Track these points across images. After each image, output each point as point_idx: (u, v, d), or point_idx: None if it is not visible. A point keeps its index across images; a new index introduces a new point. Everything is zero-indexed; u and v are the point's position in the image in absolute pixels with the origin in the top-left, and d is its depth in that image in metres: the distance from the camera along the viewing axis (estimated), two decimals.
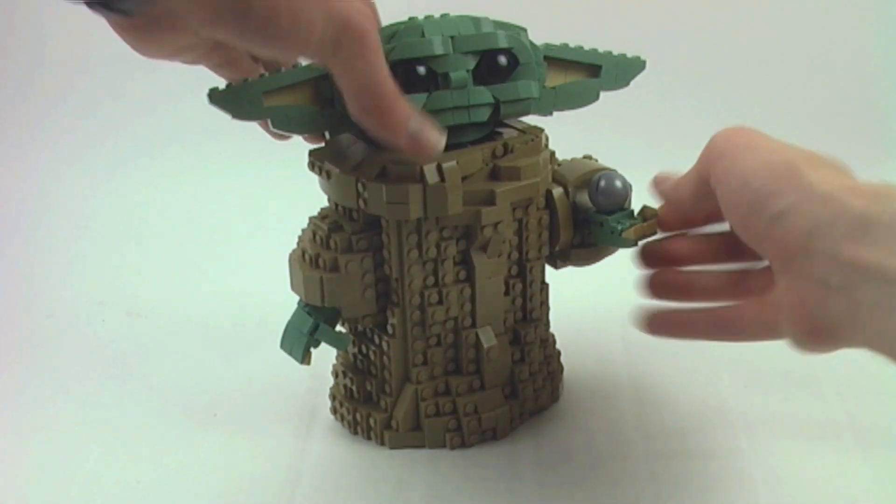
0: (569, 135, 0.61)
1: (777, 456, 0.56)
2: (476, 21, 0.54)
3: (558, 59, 0.56)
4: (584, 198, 0.57)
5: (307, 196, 0.60)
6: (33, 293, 0.77)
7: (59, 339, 0.71)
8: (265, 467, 0.57)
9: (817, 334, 0.44)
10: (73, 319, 0.73)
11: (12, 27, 0.96)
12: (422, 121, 0.49)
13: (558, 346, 0.64)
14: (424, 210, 0.53)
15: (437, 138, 0.50)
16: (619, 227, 0.54)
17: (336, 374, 0.61)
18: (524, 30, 0.55)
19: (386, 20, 0.54)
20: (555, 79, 0.56)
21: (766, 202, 0.43)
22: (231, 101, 0.51)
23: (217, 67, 0.55)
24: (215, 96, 0.51)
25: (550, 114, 0.57)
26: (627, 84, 0.58)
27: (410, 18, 0.54)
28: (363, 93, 0.48)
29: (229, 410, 0.62)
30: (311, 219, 0.57)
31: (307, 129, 0.54)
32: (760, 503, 0.53)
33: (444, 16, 0.54)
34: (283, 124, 0.53)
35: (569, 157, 0.60)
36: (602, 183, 0.56)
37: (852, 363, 0.64)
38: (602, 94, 0.58)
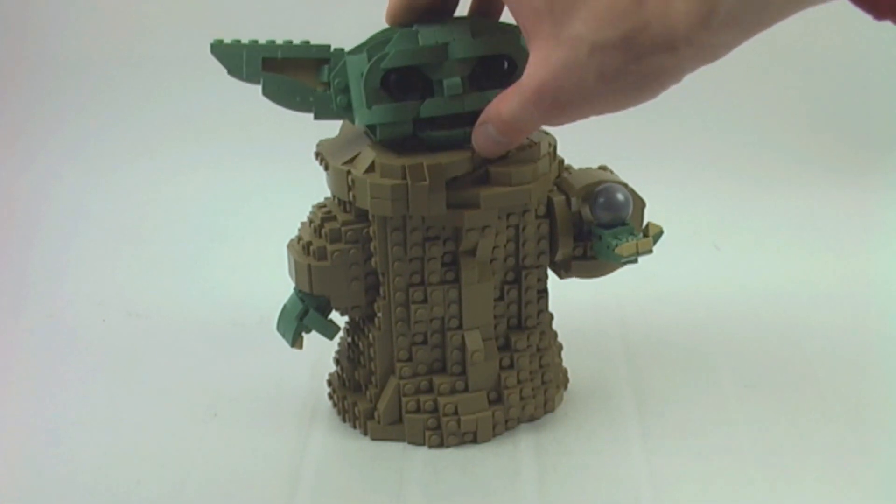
0: (590, 144, 0.60)
1: (778, 456, 0.56)
2: (473, 25, 0.53)
3: None
4: (587, 209, 0.56)
5: (308, 196, 0.60)
6: (33, 293, 0.77)
7: (59, 339, 0.70)
8: (265, 467, 0.57)
9: None
10: (73, 319, 0.73)
11: (13, 26, 0.96)
12: None
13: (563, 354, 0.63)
14: (407, 208, 0.53)
15: None
16: (614, 243, 0.54)
17: (335, 361, 0.62)
18: None
19: (385, 23, 0.54)
20: None
21: None
22: (231, 56, 0.53)
23: None
24: (217, 48, 0.52)
25: None
26: None
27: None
28: None
29: (229, 410, 0.62)
30: (312, 207, 0.58)
31: (295, 105, 0.55)
32: (761, 503, 0.53)
33: (444, 19, 0.54)
34: (272, 93, 0.54)
35: (586, 166, 0.59)
36: (601, 198, 0.55)
37: (853, 363, 0.65)
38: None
